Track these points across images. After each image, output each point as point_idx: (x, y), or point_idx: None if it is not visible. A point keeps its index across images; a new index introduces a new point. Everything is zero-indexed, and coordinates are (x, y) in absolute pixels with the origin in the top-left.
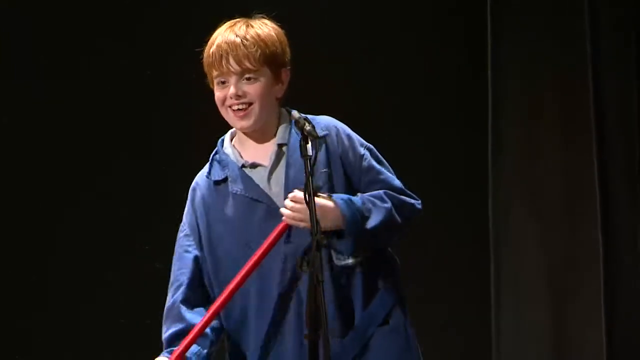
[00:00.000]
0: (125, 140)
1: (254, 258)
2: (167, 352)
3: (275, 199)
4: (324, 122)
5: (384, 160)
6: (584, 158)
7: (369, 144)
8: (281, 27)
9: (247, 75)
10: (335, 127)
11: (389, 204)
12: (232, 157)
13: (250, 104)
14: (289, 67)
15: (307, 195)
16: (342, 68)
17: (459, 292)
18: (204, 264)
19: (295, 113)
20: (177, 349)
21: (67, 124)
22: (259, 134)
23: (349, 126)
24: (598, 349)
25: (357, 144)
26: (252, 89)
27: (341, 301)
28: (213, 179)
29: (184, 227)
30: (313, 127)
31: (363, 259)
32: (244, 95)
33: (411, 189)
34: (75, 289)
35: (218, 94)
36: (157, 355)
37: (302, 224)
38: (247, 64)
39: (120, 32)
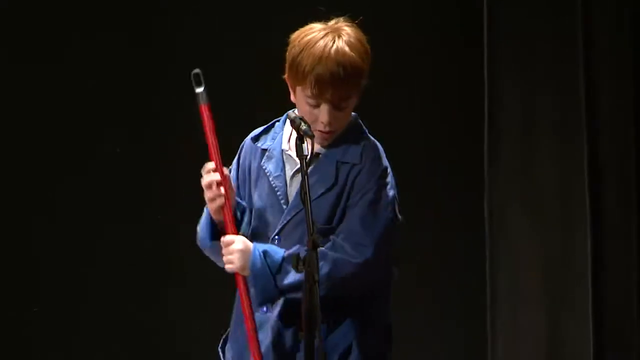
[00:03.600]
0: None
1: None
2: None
3: (287, 197)
4: (366, 152)
5: (383, 209)
6: (578, 159)
7: (389, 189)
8: (364, 32)
9: (341, 104)
10: (373, 158)
11: (321, 267)
12: (284, 135)
13: (337, 129)
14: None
15: (302, 194)
16: None
17: (454, 292)
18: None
19: (291, 113)
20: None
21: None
22: None
23: None
24: (590, 348)
25: (375, 177)
26: (343, 116)
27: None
28: (259, 145)
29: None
30: (309, 126)
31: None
32: (335, 121)
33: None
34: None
35: (307, 110)
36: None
37: (231, 269)
38: (345, 95)
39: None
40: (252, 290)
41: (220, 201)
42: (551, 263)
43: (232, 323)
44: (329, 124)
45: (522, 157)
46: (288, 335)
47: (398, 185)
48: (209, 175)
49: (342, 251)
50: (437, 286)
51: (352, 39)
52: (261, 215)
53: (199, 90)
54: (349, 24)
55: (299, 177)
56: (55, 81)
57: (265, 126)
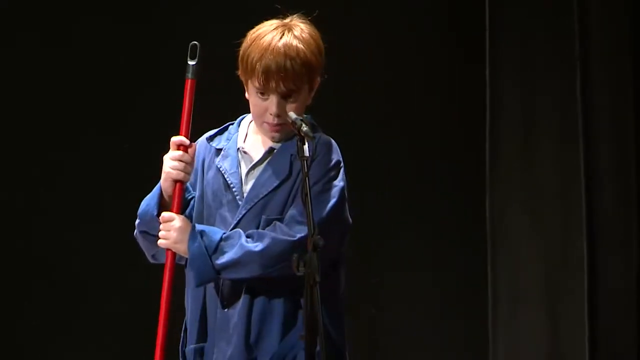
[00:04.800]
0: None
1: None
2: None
3: (243, 193)
4: (319, 145)
5: (329, 198)
6: (578, 160)
7: (338, 181)
8: (316, 27)
9: (290, 96)
10: (324, 152)
11: (257, 245)
12: (239, 135)
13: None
14: (323, 75)
15: (303, 196)
16: (339, 67)
17: (455, 292)
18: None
19: (291, 114)
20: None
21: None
22: None
23: (347, 126)
24: (589, 348)
25: (325, 169)
26: (292, 108)
27: (259, 327)
28: (214, 145)
29: None
30: (310, 128)
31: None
32: (283, 113)
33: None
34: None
35: (256, 103)
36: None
37: (164, 244)
38: (293, 86)
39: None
40: (190, 272)
41: (179, 175)
42: (551, 263)
43: (187, 320)
44: (277, 115)
45: (523, 158)
46: (244, 335)
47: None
48: (179, 149)
49: (280, 231)
50: (437, 286)
51: (303, 34)
52: (216, 212)
53: (191, 63)
54: (303, 20)
55: (254, 173)
56: (56, 79)
57: (219, 128)
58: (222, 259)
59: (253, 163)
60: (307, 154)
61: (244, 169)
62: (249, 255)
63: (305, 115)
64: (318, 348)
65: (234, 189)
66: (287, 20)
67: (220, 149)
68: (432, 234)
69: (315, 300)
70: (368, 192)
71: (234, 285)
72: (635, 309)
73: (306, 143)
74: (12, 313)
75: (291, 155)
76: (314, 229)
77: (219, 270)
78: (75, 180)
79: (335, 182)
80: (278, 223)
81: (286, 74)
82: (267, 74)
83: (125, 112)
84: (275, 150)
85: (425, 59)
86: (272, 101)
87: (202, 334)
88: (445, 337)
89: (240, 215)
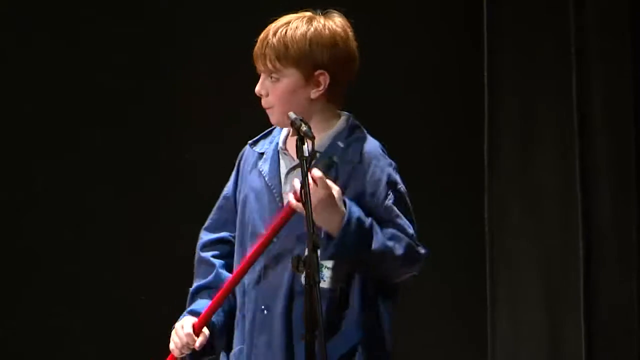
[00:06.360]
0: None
1: (257, 245)
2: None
3: (282, 194)
4: (367, 149)
5: (410, 208)
6: (578, 160)
7: (402, 187)
8: (349, 26)
9: (272, 75)
10: (376, 158)
11: (402, 241)
12: (281, 136)
13: (274, 103)
14: (326, 70)
15: (303, 196)
16: None
17: (455, 292)
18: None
19: (291, 114)
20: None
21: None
22: None
23: None
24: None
25: (385, 182)
26: (274, 90)
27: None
28: (256, 150)
29: (225, 189)
30: (309, 127)
31: (340, 289)
32: (267, 94)
33: (410, 189)
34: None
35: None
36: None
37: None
38: (269, 65)
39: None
40: (326, 242)
41: (171, 346)
42: (551, 263)
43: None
44: (258, 91)
45: (522, 157)
46: (285, 335)
47: (409, 184)
48: (188, 336)
49: (409, 237)
50: (437, 286)
51: (318, 25)
52: (258, 214)
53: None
54: (337, 14)
55: (294, 174)
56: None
57: (264, 132)
58: (368, 243)
59: (294, 164)
60: (306, 153)
61: (283, 170)
62: (413, 253)
63: (345, 114)
64: (318, 348)
65: (273, 190)
66: (314, 14)
67: (263, 153)
68: (430, 234)
69: (315, 300)
70: None
71: (274, 287)
72: (634, 307)
73: (306, 143)
74: (7, 313)
75: (333, 157)
76: (314, 229)
77: (363, 255)
78: (75, 180)
79: (403, 191)
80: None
81: (265, 51)
82: (256, 49)
83: (125, 111)
84: (318, 155)
85: (425, 58)
86: (261, 79)
87: (244, 336)
88: (445, 337)
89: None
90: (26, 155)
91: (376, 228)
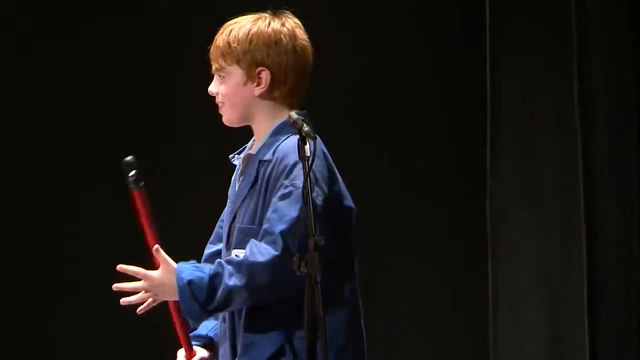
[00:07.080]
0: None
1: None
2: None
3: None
4: (281, 147)
5: (298, 203)
6: (578, 159)
7: (297, 182)
8: (300, 26)
9: (219, 74)
10: (285, 156)
11: (239, 279)
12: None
13: (223, 101)
14: (267, 68)
15: (305, 196)
16: (338, 67)
17: (455, 292)
18: None
19: (293, 114)
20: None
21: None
22: (254, 132)
23: (347, 126)
24: (589, 348)
25: (288, 177)
26: (221, 88)
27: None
28: (234, 162)
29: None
30: (311, 127)
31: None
32: (217, 93)
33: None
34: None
35: None
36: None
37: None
38: (216, 64)
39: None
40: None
41: None
42: (551, 263)
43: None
44: (210, 91)
45: (523, 157)
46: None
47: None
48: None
49: (253, 250)
50: (438, 286)
51: (262, 24)
52: (227, 226)
53: (130, 175)
54: (289, 14)
55: (241, 178)
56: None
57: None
58: (212, 305)
59: (240, 169)
60: (307, 153)
61: (235, 176)
62: (232, 291)
63: (300, 112)
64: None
65: (229, 201)
66: (267, 14)
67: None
68: (432, 233)
69: (316, 300)
70: (367, 191)
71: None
72: (636, 307)
73: (307, 143)
74: (7, 313)
75: (259, 161)
76: (315, 229)
77: (211, 312)
78: (75, 180)
79: (296, 182)
80: (253, 241)
81: (213, 50)
82: (209, 49)
83: (124, 111)
84: (252, 156)
85: (425, 58)
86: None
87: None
88: (445, 336)
89: (228, 229)
90: (26, 155)
91: (215, 277)
